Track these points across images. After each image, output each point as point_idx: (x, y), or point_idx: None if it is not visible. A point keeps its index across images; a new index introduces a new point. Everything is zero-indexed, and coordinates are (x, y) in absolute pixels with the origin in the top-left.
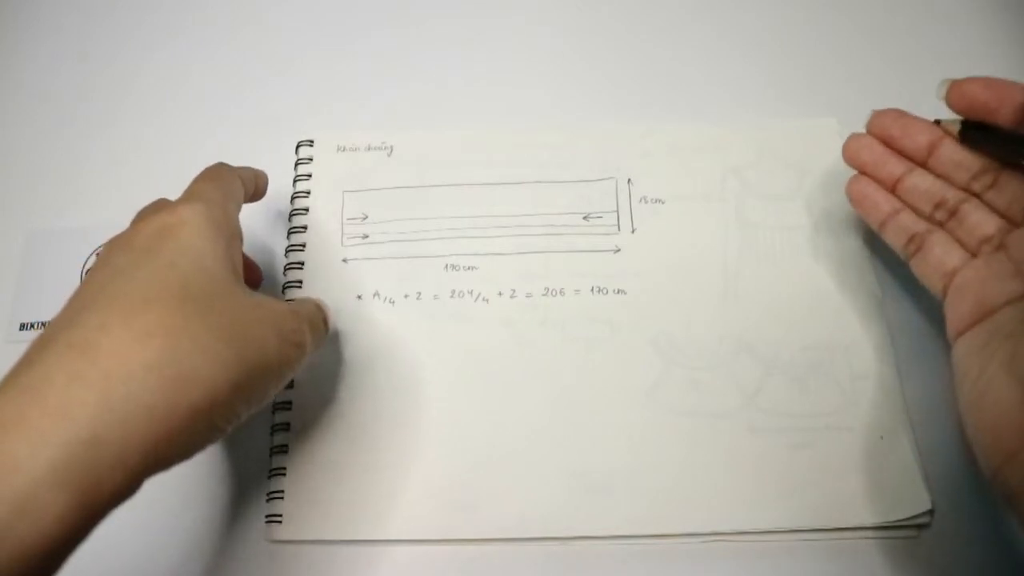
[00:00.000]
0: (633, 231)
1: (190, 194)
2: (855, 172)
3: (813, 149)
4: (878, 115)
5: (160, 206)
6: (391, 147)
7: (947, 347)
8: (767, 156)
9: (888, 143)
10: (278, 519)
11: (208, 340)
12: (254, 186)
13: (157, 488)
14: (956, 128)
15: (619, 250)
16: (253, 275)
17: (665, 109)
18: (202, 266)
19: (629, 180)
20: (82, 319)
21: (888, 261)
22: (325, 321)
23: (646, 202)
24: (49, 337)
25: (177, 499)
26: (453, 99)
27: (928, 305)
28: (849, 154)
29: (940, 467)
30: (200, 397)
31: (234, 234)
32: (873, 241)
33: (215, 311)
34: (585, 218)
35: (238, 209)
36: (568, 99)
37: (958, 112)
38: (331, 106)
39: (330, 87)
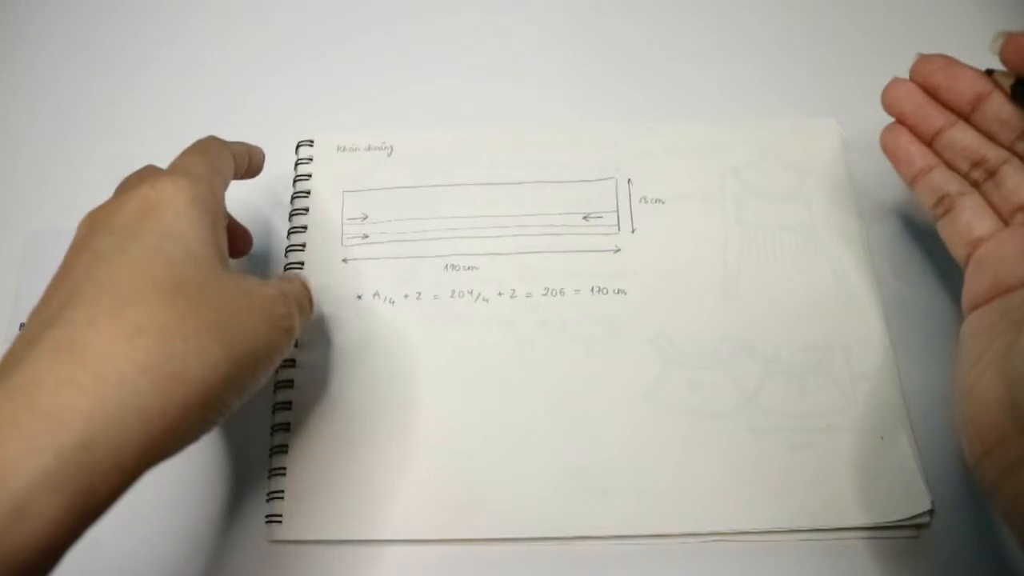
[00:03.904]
0: (633, 231)
1: (176, 167)
2: (892, 120)
3: (813, 149)
4: (923, 60)
5: (143, 177)
6: (391, 147)
7: (948, 347)
8: (767, 156)
9: (931, 92)
10: (278, 519)
11: (200, 337)
12: (247, 162)
13: (157, 488)
14: (1009, 82)
15: (619, 250)
16: (242, 243)
17: (665, 109)
18: (188, 251)
19: (629, 180)
20: (68, 314)
21: (888, 261)
22: (310, 299)
23: (646, 202)
24: (35, 335)
25: (177, 499)
26: (453, 99)
27: (929, 305)
28: (888, 101)
29: (940, 467)
30: (193, 394)
31: (219, 212)
32: (873, 240)
33: (205, 303)
34: (585, 218)
35: (225, 185)
36: (568, 99)
37: (1013, 69)
38: (331, 106)
39: (330, 87)
